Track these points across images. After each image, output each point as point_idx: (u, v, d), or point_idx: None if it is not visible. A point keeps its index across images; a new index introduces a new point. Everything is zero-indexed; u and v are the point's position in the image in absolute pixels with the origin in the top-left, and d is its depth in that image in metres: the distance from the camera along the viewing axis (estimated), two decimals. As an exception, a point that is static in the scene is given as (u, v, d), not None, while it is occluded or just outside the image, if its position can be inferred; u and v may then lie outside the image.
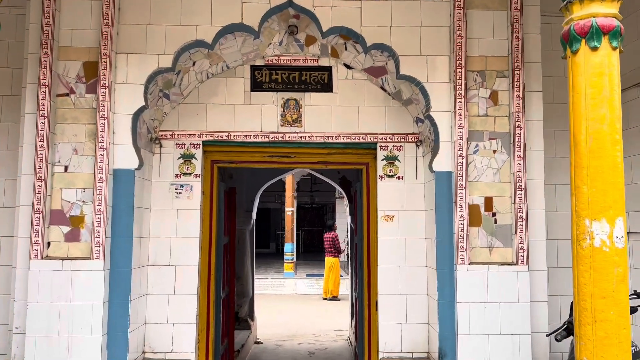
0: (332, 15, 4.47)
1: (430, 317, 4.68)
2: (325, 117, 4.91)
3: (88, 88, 4.30)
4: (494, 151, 4.39)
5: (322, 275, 14.50)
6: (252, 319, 8.84)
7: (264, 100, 4.92)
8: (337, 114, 4.91)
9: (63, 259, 4.13)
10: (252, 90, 4.92)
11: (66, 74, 4.30)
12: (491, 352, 4.19)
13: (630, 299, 3.32)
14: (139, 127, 4.45)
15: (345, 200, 9.14)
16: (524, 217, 4.29)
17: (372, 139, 4.89)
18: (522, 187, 4.31)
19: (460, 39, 4.36)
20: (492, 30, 4.44)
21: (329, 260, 13.60)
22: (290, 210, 18.59)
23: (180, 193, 4.78)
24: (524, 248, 4.27)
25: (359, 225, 5.17)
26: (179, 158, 4.83)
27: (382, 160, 4.87)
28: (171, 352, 4.64)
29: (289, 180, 18.48)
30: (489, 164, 4.38)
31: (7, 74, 4.77)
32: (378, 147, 4.88)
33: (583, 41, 2.67)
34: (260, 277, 15.50)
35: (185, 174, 4.81)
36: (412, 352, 4.71)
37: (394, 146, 4.89)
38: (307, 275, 16.87)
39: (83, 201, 4.22)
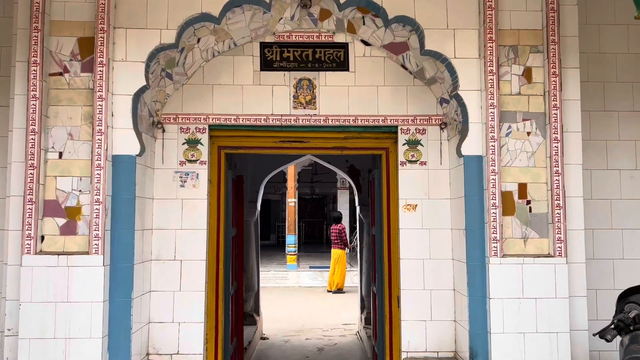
0: (350, -15, 4.08)
1: (457, 314, 4.33)
2: (341, 98, 4.53)
3: (83, 66, 3.91)
4: (528, 133, 4.03)
5: (326, 267, 14.23)
6: (258, 314, 8.51)
7: (274, 80, 4.53)
8: (354, 95, 4.53)
9: (58, 254, 3.76)
10: (261, 69, 4.54)
11: (59, 51, 3.91)
12: (527, 352, 3.85)
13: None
14: (139, 109, 4.07)
15: (354, 190, 8.75)
16: (561, 205, 3.93)
17: (392, 121, 4.51)
18: (559, 172, 3.95)
19: (491, 10, 3.98)
20: (525, 1, 4.06)
21: (335, 252, 13.34)
22: (292, 201, 18.26)
23: (185, 181, 4.41)
24: (562, 238, 3.92)
25: (378, 215, 4.81)
26: (183, 144, 4.45)
27: (404, 144, 4.50)
28: (177, 353, 4.29)
29: (291, 171, 18.13)
30: (523, 147, 4.02)
31: (-5, 53, 4.38)
32: (399, 131, 4.51)
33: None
34: (263, 270, 15.09)
35: (190, 161, 4.43)
36: (438, 352, 4.36)
37: (416, 129, 4.52)
38: (311, 267, 16.56)
39: (80, 190, 3.85)
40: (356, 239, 14.13)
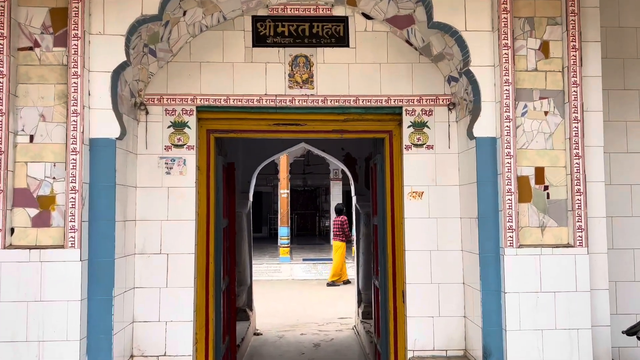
0: (350, -49, 3.73)
1: (467, 310, 4.01)
2: (341, 77, 4.17)
3: (56, 40, 3.53)
4: (546, 113, 3.70)
5: (320, 259, 13.95)
6: (251, 309, 8.16)
7: (268, 57, 4.16)
8: (355, 73, 4.17)
9: (30, 247, 3.39)
10: (254, 45, 4.16)
11: (29, 23, 3.51)
12: (545, 350, 3.55)
13: None
14: (119, 88, 3.69)
15: (351, 179, 8.41)
16: (581, 191, 3.62)
17: (396, 102, 4.17)
18: (579, 154, 3.63)
19: (505, -22, 3.64)
20: (542, -31, 3.72)
21: (336, 244, 13.19)
22: (284, 192, 17.90)
23: (171, 168, 4.04)
24: (583, 227, 3.60)
25: (380, 204, 4.47)
26: (169, 127, 4.07)
27: (409, 127, 4.16)
28: (164, 354, 3.94)
29: (283, 162, 17.75)
30: (540, 128, 3.70)
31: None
32: (403, 112, 4.17)
33: None
34: (256, 263, 14.75)
35: (176, 146, 4.06)
36: (447, 351, 4.05)
37: (422, 110, 4.17)
38: (304, 259, 16.23)
39: (53, 178, 3.47)
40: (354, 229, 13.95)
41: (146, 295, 3.97)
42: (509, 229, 3.58)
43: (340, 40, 4.18)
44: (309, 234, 28.19)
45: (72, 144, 3.43)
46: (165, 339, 3.96)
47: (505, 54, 3.64)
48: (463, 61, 3.82)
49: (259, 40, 4.16)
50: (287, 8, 4.19)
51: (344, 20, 4.19)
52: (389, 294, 4.32)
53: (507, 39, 3.64)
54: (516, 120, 3.66)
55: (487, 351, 3.65)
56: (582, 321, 3.57)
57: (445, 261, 4.08)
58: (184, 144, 4.06)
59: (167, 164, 4.04)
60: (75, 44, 3.47)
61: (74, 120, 3.44)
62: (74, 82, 3.46)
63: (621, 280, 4.10)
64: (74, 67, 3.47)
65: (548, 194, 3.67)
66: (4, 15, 3.40)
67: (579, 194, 3.62)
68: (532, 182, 3.67)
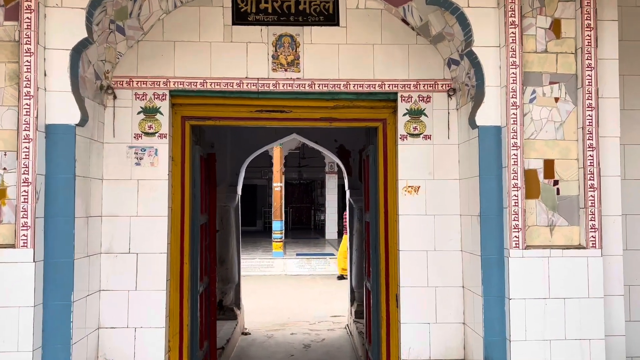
0: None
1: (467, 316, 3.66)
2: (330, 59, 3.79)
3: (7, 13, 3.13)
4: (556, 99, 3.33)
5: (313, 254, 13.66)
6: (239, 308, 7.80)
7: (249, 36, 3.77)
8: (346, 55, 3.79)
9: (-23, 247, 3.01)
10: (234, 23, 3.77)
11: (-24, -6, 3.12)
12: (554, 363, 3.19)
13: None
14: (81, 69, 3.29)
15: (344, 172, 8.03)
16: (595, 186, 3.25)
17: (390, 87, 3.79)
18: (593, 146, 3.26)
19: (513, -52, 3.25)
20: (553, -61, 3.34)
21: (346, 237, 12.92)
22: (278, 185, 17.50)
23: (141, 159, 3.66)
24: (596, 226, 3.24)
25: (373, 199, 4.10)
26: (139, 113, 3.68)
27: (404, 115, 3.78)
28: (133, 364, 3.58)
29: (277, 154, 17.34)
30: (550, 116, 3.33)
31: None
32: (399, 98, 3.79)
33: None
34: (247, 258, 14.48)
35: (147, 134, 3.68)
36: (444, 360, 3.69)
37: (419, 97, 3.79)
38: (298, 254, 15.86)
39: (4, 168, 3.08)
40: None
41: (113, 299, 3.60)
42: (515, 228, 3.22)
43: (330, 18, 3.79)
44: (305, 228, 27.82)
45: (25, 130, 3.04)
46: (134, 347, 3.59)
47: (512, 33, 3.26)
48: (465, 41, 3.44)
49: (239, 18, 3.76)
50: (270, -18, 3.80)
51: (333, -4, 3.80)
52: (382, 298, 3.95)
53: (515, 17, 3.26)
54: (523, 107, 3.28)
55: (489, 363, 3.29)
56: (594, 331, 3.21)
57: (443, 263, 3.72)
58: (156, 132, 3.68)
59: (136, 153, 3.65)
60: (27, 17, 3.07)
61: (26, 104, 3.05)
62: (27, 61, 3.06)
63: (635, 284, 3.74)
64: (26, 44, 3.07)
65: (558, 189, 3.31)
66: (-53, -16, 3.01)
67: (592, 189, 3.25)
68: (541, 176, 3.30)
